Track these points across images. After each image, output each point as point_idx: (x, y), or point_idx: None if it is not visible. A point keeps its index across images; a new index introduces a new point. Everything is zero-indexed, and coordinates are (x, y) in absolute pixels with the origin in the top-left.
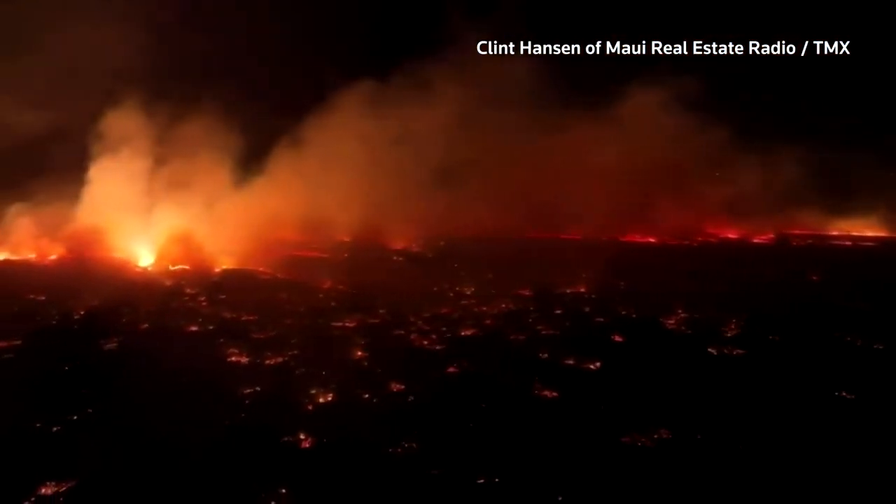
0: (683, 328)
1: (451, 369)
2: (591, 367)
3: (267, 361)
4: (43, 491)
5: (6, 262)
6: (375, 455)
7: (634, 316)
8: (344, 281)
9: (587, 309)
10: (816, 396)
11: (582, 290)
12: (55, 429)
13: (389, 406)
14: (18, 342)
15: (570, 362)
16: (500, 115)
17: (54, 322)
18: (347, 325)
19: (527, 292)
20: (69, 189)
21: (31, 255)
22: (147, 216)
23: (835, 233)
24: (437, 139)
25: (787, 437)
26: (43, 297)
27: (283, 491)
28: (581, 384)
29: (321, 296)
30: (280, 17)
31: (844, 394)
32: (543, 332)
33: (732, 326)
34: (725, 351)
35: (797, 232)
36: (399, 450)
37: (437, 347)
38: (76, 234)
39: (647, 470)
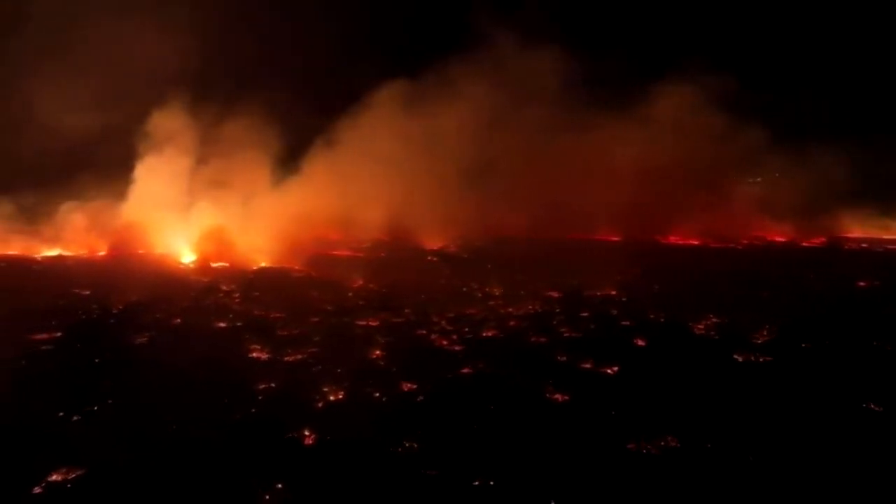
0: (712, 334)
1: (465, 370)
2: (608, 371)
3: (286, 358)
4: (54, 477)
5: (59, 257)
6: (375, 453)
7: (662, 320)
8: (376, 280)
9: (614, 312)
10: (840, 407)
11: (612, 292)
12: (75, 418)
13: (397, 405)
14: (59, 334)
15: (587, 366)
16: (531, 113)
17: (94, 316)
18: (371, 323)
19: (556, 294)
20: (118, 187)
21: (81, 251)
22: (188, 214)
23: (894, 237)
24: (470, 138)
25: (802, 449)
26: (88, 292)
27: (280, 486)
28: (594, 388)
29: (351, 294)
30: (316, 18)
31: (872, 405)
32: (566, 335)
33: (764, 333)
34: (752, 358)
35: (853, 235)
36: (399, 449)
37: (456, 348)
38: (121, 231)
39: (646, 478)
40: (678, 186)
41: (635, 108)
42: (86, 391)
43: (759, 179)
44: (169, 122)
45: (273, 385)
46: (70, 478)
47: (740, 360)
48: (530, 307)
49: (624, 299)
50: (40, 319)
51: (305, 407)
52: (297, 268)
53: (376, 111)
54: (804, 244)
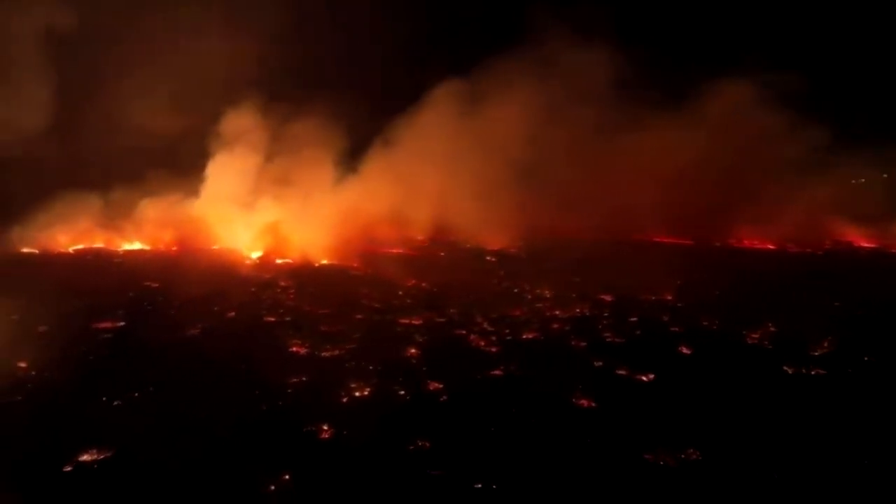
0: (766, 343)
1: (495, 372)
2: (643, 378)
3: (323, 353)
4: (84, 457)
5: (139, 251)
6: (385, 450)
7: (715, 328)
8: (428, 279)
9: (665, 318)
10: (889, 428)
11: (668, 297)
12: (115, 402)
13: (419, 404)
14: (122, 324)
15: (623, 372)
16: (588, 112)
17: (156, 307)
18: (413, 322)
19: (608, 297)
20: (194, 184)
21: (157, 246)
22: (256, 211)
23: None
24: (527, 137)
25: (833, 475)
26: (157, 285)
27: (286, 477)
28: (624, 395)
29: (401, 293)
30: (378, 20)
31: None
32: (608, 339)
33: (825, 345)
34: (803, 371)
35: None
36: (410, 447)
37: (492, 349)
38: (190, 227)
39: (654, 490)
40: (748, 187)
41: (696, 106)
42: (132, 378)
43: (862, 180)
44: (241, 121)
45: (304, 379)
46: (97, 458)
47: (790, 372)
48: (578, 310)
49: (679, 305)
50: (108, 309)
51: (329, 402)
52: (354, 266)
53: (433, 110)
54: (894, 250)
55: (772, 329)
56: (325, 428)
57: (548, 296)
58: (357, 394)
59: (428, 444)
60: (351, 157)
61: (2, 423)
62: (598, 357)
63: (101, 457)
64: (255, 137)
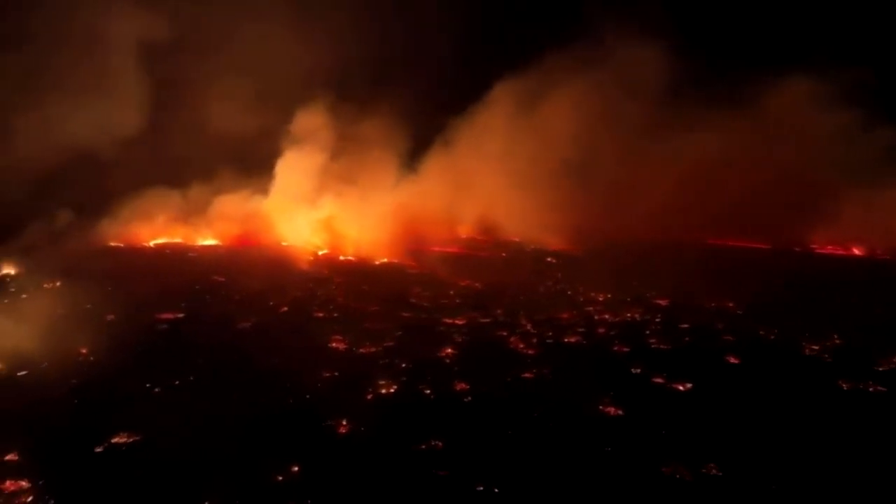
0: (826, 356)
1: (526, 374)
2: (680, 388)
3: (361, 350)
4: (115, 440)
5: (213, 246)
6: (397, 448)
7: (772, 337)
8: (483, 279)
9: (720, 325)
10: None
11: (730, 304)
12: (156, 390)
13: (443, 404)
14: (181, 315)
15: (659, 381)
16: (649, 111)
17: (217, 301)
18: (457, 322)
19: (664, 302)
20: (263, 182)
21: (228, 241)
22: (317, 208)
23: None
24: (590, 138)
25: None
26: (222, 279)
27: (295, 469)
28: (655, 404)
29: (452, 292)
30: (439, 18)
31: None
32: (653, 346)
33: (894, 361)
34: (860, 387)
35: None
36: (423, 446)
37: (530, 352)
38: (259, 223)
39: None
40: (819, 190)
41: (758, 103)
42: (176, 367)
43: None
44: (310, 121)
45: (335, 374)
46: (127, 442)
47: (845, 387)
48: (629, 315)
49: (739, 312)
50: (172, 301)
51: (354, 398)
52: (411, 264)
53: (492, 111)
54: None
55: (837, 341)
56: (344, 423)
57: (600, 299)
58: (383, 391)
59: (441, 444)
60: (412, 157)
61: (52, 404)
62: (637, 364)
63: (131, 440)
64: (323, 136)
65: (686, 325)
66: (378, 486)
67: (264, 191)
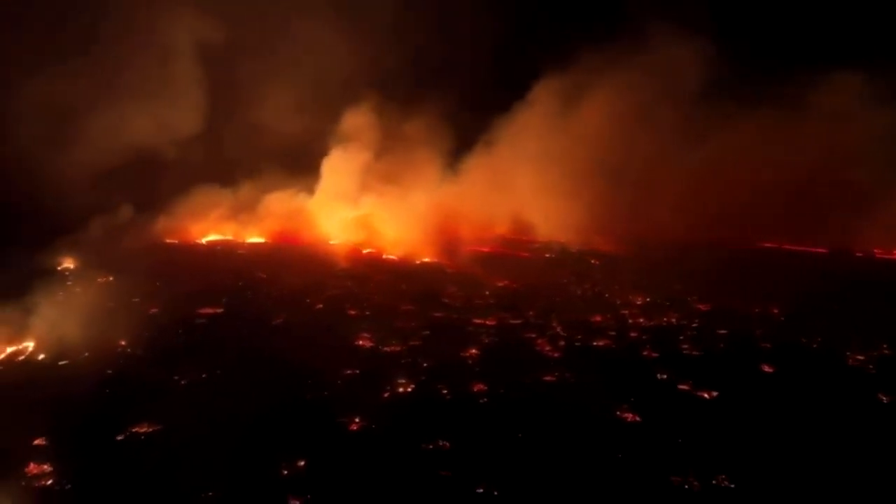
0: (870, 367)
1: (547, 377)
2: (705, 395)
3: (385, 348)
4: (136, 429)
5: (260, 243)
6: (405, 447)
7: (815, 346)
8: (521, 280)
9: (758, 332)
10: None
11: (774, 310)
12: (183, 382)
13: (458, 404)
14: (220, 310)
15: (685, 388)
16: (695, 111)
17: (257, 297)
18: (487, 322)
19: (704, 307)
20: (310, 181)
21: (275, 239)
22: (358, 207)
23: None
24: (633, 138)
25: None
26: (265, 275)
27: (301, 463)
28: (676, 412)
29: (487, 293)
30: (483, 17)
31: None
32: (684, 352)
33: None
34: None
35: None
36: (430, 446)
37: (555, 354)
38: (304, 221)
39: None
40: (882, 191)
41: (807, 102)
42: (206, 361)
43: None
44: (357, 120)
45: (357, 372)
46: (147, 431)
47: (885, 400)
48: (666, 319)
49: (783, 318)
50: (214, 296)
51: (371, 396)
52: (451, 264)
53: (534, 111)
54: None
55: (885, 352)
56: (357, 421)
57: (638, 302)
58: (400, 390)
59: (448, 445)
60: (455, 156)
61: (85, 392)
62: (664, 369)
63: (151, 430)
64: (368, 136)
65: (723, 331)
66: (378, 484)
67: (311, 189)
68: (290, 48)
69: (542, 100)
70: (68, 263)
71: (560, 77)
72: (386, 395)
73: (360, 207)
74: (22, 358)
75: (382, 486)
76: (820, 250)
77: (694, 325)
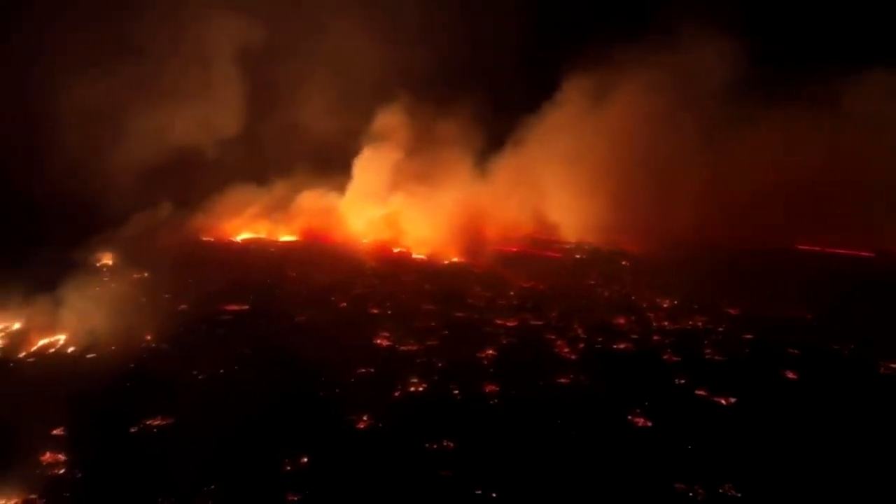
0: None
1: (562, 380)
2: (722, 401)
3: (403, 347)
4: (149, 421)
5: (292, 242)
6: (409, 446)
7: (846, 353)
8: (548, 281)
9: (789, 337)
10: None
11: (808, 315)
12: (200, 377)
13: (468, 405)
14: (246, 307)
15: (701, 393)
16: (725, 110)
17: (283, 294)
18: (508, 323)
19: (734, 311)
20: (344, 180)
21: (307, 237)
22: (387, 205)
23: None
24: (662, 137)
25: None
26: (294, 273)
27: (305, 459)
28: (689, 418)
29: (511, 293)
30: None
31: None
32: (706, 357)
33: None
34: None
35: None
36: (434, 446)
37: (573, 357)
38: (334, 220)
39: None
40: None
41: (851, 103)
42: (226, 356)
43: None
44: (389, 120)
45: (371, 370)
46: (160, 424)
47: None
48: (692, 323)
49: (815, 324)
50: (242, 293)
51: (382, 394)
52: (479, 264)
53: (563, 111)
54: None
55: None
56: (365, 419)
57: (665, 305)
58: (412, 389)
59: (452, 445)
60: (486, 156)
61: (107, 384)
62: (683, 374)
63: (164, 423)
64: (400, 136)
65: (750, 336)
66: (378, 482)
67: (343, 188)
68: (325, 50)
69: (571, 99)
70: (107, 260)
71: (588, 76)
72: (397, 394)
73: (387, 206)
74: (53, 350)
75: (381, 484)
76: (865, 254)
77: (720, 329)
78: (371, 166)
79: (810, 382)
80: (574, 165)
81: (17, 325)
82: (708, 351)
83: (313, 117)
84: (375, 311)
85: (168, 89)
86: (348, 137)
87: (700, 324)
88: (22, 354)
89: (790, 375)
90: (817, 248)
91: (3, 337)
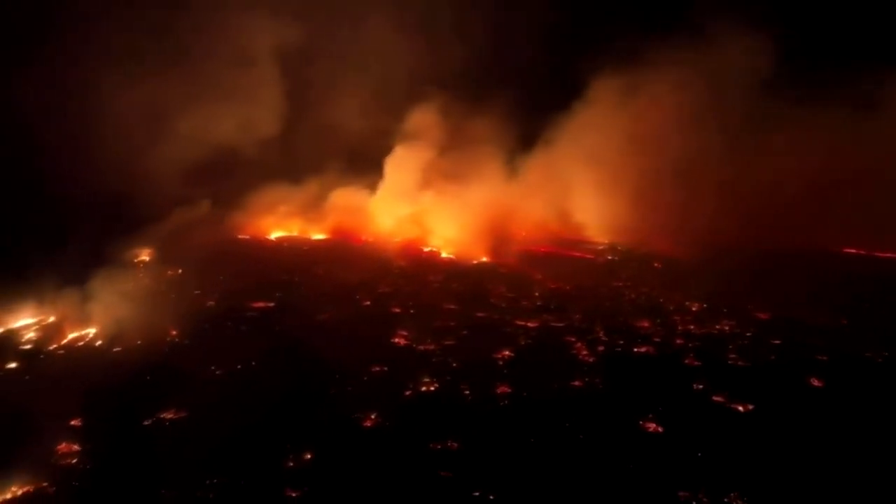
0: None
1: (575, 383)
2: (739, 408)
3: (420, 347)
4: (163, 415)
5: (324, 240)
6: (413, 445)
7: (879, 360)
8: (574, 282)
9: (820, 343)
10: None
11: (843, 321)
12: (218, 372)
13: (477, 405)
14: (272, 305)
15: (719, 399)
16: (759, 109)
17: (309, 292)
18: (529, 324)
19: (764, 315)
20: (377, 179)
21: (340, 236)
22: (416, 204)
23: None
24: (699, 137)
25: None
26: (322, 272)
27: (308, 456)
28: (703, 425)
29: (537, 294)
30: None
31: None
32: (729, 362)
33: None
34: None
35: None
36: (438, 446)
37: (590, 360)
38: (365, 218)
39: None
40: None
41: (883, 101)
42: (245, 353)
43: None
44: (422, 119)
45: (385, 369)
46: (173, 417)
47: None
48: (718, 327)
49: (849, 330)
50: (269, 291)
51: (393, 393)
52: (508, 264)
53: (595, 110)
54: None
55: None
56: (373, 417)
57: (693, 309)
58: (423, 388)
59: (456, 445)
60: (517, 155)
61: (128, 378)
62: (702, 380)
63: (176, 416)
64: (433, 135)
65: (778, 342)
66: (376, 480)
67: (375, 187)
68: (359, 50)
69: (600, 98)
70: (145, 256)
71: (618, 75)
72: (408, 393)
73: (415, 205)
74: (81, 343)
75: (379, 482)
76: None
77: (748, 334)
78: (403, 165)
79: (836, 391)
80: (603, 165)
81: (51, 319)
82: (732, 356)
83: (347, 117)
84: (397, 310)
85: (211, 90)
86: (381, 136)
87: (727, 328)
88: (52, 346)
89: (815, 383)
90: (857, 251)
91: (37, 329)
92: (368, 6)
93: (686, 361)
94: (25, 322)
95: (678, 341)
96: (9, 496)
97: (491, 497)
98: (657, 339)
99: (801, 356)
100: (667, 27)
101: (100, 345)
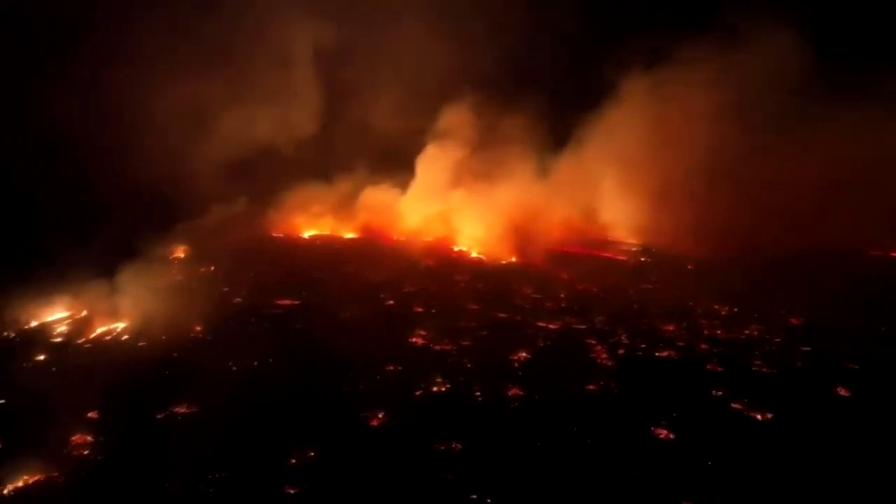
0: None
1: (590, 387)
2: (757, 416)
3: (436, 347)
4: (176, 409)
5: (355, 239)
6: (416, 445)
7: None
8: (602, 283)
9: (852, 350)
10: None
11: (882, 328)
12: (234, 368)
13: (486, 407)
14: (297, 302)
15: (737, 406)
16: (798, 108)
17: (334, 290)
18: (550, 326)
19: (796, 321)
20: (406, 178)
21: (371, 235)
22: (445, 203)
23: None
24: (731, 137)
25: None
26: (350, 270)
27: (311, 454)
28: (717, 433)
29: (562, 295)
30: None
31: None
32: (753, 369)
33: None
34: None
35: None
36: (442, 447)
37: (608, 364)
38: (396, 217)
39: None
40: None
41: None
42: (264, 349)
43: None
44: (454, 118)
45: (399, 368)
46: (185, 412)
47: None
48: (747, 332)
49: (884, 338)
50: (296, 288)
51: (403, 393)
52: (536, 265)
53: (623, 110)
54: None
55: None
56: (380, 416)
57: (723, 313)
58: (434, 388)
59: (460, 447)
60: (549, 155)
61: (149, 372)
62: (722, 386)
63: (188, 411)
64: (464, 134)
65: (807, 348)
66: (375, 479)
67: (406, 186)
68: (392, 50)
69: (633, 97)
70: (180, 253)
71: (649, 75)
72: (418, 393)
73: (445, 204)
74: (109, 337)
75: (378, 482)
76: None
77: (777, 339)
78: (434, 164)
79: (862, 401)
80: (634, 165)
81: (84, 313)
82: (757, 362)
83: (380, 116)
84: (419, 309)
85: (251, 90)
86: (414, 135)
87: (756, 333)
88: (80, 340)
89: (842, 392)
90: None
91: (69, 323)
92: (403, 7)
93: (708, 367)
94: (59, 316)
95: (702, 346)
96: (20, 484)
97: (489, 500)
98: (680, 344)
99: (830, 363)
100: (699, 27)
101: (126, 339)
